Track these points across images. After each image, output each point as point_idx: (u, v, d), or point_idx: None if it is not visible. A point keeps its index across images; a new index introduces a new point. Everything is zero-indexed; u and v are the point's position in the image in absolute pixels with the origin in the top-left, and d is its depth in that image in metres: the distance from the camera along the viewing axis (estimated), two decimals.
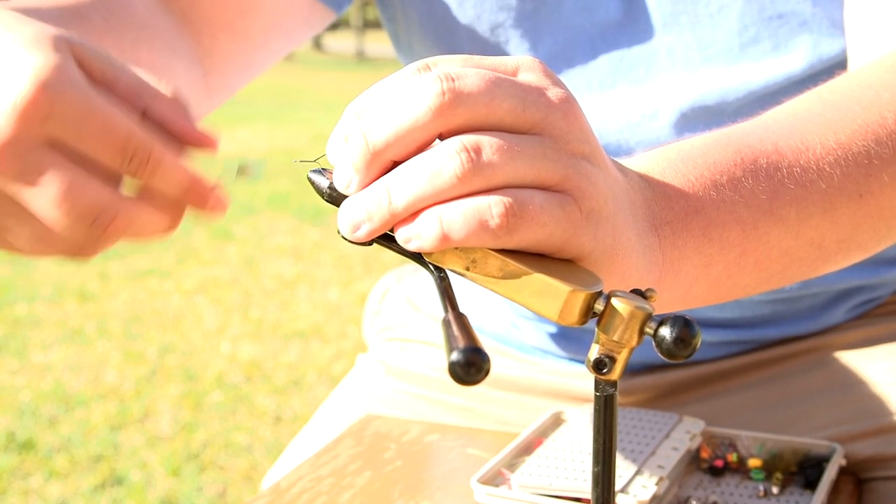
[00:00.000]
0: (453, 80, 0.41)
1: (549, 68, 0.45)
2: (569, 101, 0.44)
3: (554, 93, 0.44)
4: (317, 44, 28.47)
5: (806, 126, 0.57)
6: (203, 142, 0.49)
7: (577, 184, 0.43)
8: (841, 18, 0.75)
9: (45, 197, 0.44)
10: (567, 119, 0.43)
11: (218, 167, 0.50)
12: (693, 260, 0.51)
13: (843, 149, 0.57)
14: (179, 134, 0.48)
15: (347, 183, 0.43)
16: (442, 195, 0.41)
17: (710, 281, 0.53)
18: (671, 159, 0.52)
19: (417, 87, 0.42)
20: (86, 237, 0.46)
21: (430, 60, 0.44)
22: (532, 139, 0.42)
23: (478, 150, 0.41)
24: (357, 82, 15.44)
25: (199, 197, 0.48)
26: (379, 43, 29.04)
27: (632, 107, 0.78)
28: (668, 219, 0.50)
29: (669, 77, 0.78)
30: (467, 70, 0.42)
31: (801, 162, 0.55)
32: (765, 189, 0.53)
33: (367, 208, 0.42)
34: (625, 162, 0.50)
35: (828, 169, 0.56)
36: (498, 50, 0.81)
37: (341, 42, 31.26)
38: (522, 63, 0.45)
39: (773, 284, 0.58)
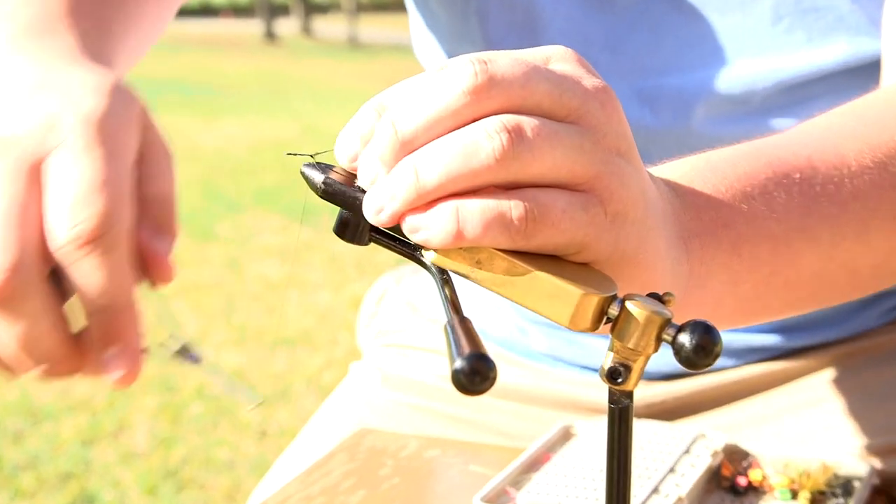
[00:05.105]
0: (486, 62, 0.41)
1: (583, 58, 0.45)
2: (606, 91, 0.44)
3: (590, 82, 0.44)
4: (305, 28, 28.48)
5: (841, 141, 0.57)
6: (162, 275, 0.49)
7: (606, 184, 0.42)
8: (880, 18, 0.75)
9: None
10: (605, 110, 0.43)
11: (159, 337, 0.50)
12: (721, 276, 0.51)
13: (880, 168, 0.57)
14: (149, 257, 0.48)
15: (373, 178, 0.42)
16: (475, 177, 0.40)
17: (737, 300, 0.53)
18: (699, 168, 0.52)
19: (448, 72, 0.41)
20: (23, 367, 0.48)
21: (456, 58, 0.44)
22: (570, 128, 0.42)
23: (519, 132, 0.40)
24: (349, 71, 15.44)
25: (115, 333, 0.47)
26: (374, 27, 29.06)
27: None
28: (697, 231, 0.50)
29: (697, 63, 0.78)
30: (499, 54, 0.42)
31: (836, 179, 0.55)
32: (798, 205, 0.53)
33: (391, 189, 0.41)
34: (649, 168, 0.50)
35: (863, 188, 0.56)
36: (512, 25, 0.82)
37: (332, 27, 31.27)
38: (554, 53, 0.44)
39: (801, 309, 0.58)
